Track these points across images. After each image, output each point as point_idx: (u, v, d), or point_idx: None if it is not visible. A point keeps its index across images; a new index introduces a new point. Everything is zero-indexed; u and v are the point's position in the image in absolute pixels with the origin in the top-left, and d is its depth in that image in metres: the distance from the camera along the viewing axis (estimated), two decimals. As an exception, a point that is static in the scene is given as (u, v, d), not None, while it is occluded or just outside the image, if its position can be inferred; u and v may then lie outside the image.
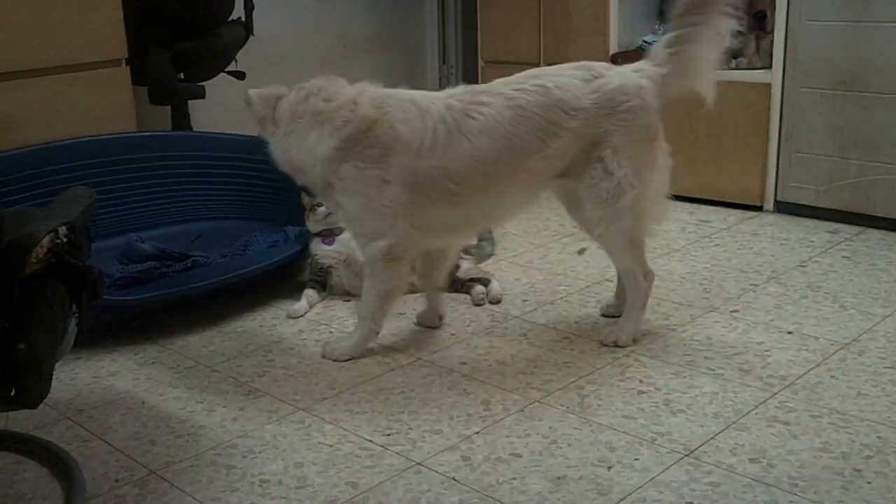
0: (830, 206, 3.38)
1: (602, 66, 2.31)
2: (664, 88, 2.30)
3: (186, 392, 2.23)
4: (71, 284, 1.54)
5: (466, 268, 2.84)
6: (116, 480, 1.85)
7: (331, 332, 2.56)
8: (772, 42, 3.41)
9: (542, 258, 3.12)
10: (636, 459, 1.86)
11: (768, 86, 3.44)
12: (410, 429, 2.01)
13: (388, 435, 1.99)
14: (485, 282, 2.78)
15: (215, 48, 3.67)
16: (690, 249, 3.17)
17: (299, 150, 2.29)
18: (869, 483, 1.75)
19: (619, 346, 2.38)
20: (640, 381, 2.20)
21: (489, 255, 3.10)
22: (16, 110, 3.17)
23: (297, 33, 4.68)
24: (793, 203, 3.48)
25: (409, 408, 2.11)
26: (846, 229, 3.31)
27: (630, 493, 1.75)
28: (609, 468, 1.84)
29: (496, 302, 2.74)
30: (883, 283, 2.79)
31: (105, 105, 3.39)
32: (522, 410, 2.08)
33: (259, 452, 1.94)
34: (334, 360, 2.36)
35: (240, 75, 3.85)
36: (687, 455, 1.87)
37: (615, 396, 2.13)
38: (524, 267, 3.04)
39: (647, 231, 2.39)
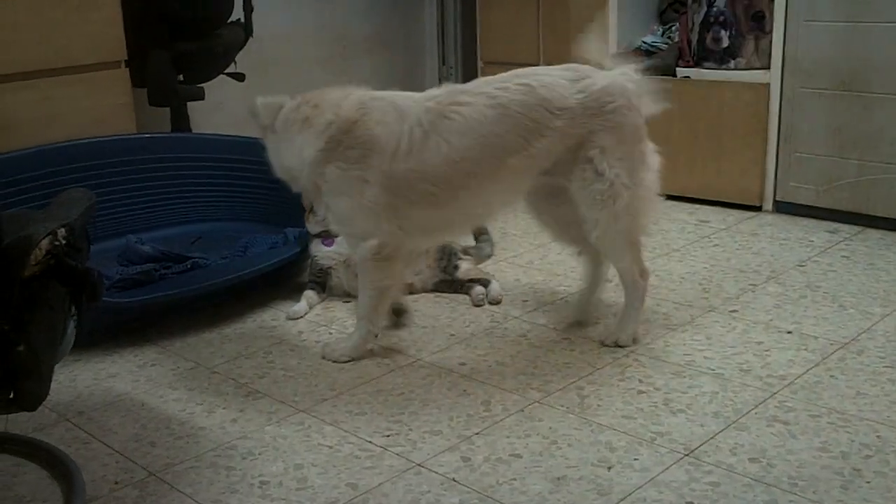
0: (829, 206, 3.38)
1: (588, 68, 2.31)
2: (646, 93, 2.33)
3: (186, 394, 2.23)
4: (70, 286, 1.54)
5: (466, 268, 2.84)
6: (116, 482, 1.85)
7: (330, 334, 2.56)
8: (770, 42, 3.42)
9: (541, 259, 3.13)
10: (636, 459, 1.86)
11: (767, 86, 3.44)
12: (410, 430, 2.01)
13: (388, 436, 1.99)
14: (484, 282, 2.79)
15: (215, 50, 3.67)
16: (690, 249, 3.17)
17: (290, 156, 2.32)
18: (868, 482, 1.76)
19: (619, 346, 2.38)
20: (640, 381, 2.20)
21: (488, 256, 3.11)
22: (15, 112, 3.17)
23: (296, 34, 4.68)
24: (792, 203, 3.48)
25: (409, 409, 2.11)
26: (845, 229, 3.31)
27: (630, 494, 1.75)
28: (609, 468, 1.84)
29: (496, 303, 2.74)
30: (882, 282, 2.80)
31: (104, 107, 3.39)
32: (522, 411, 2.08)
33: (259, 454, 1.94)
34: (334, 362, 2.36)
35: (239, 77, 3.85)
36: (687, 455, 1.87)
37: (615, 396, 2.13)
38: (524, 268, 3.05)
39: (644, 230, 2.40)
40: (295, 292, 2.82)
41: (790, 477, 1.78)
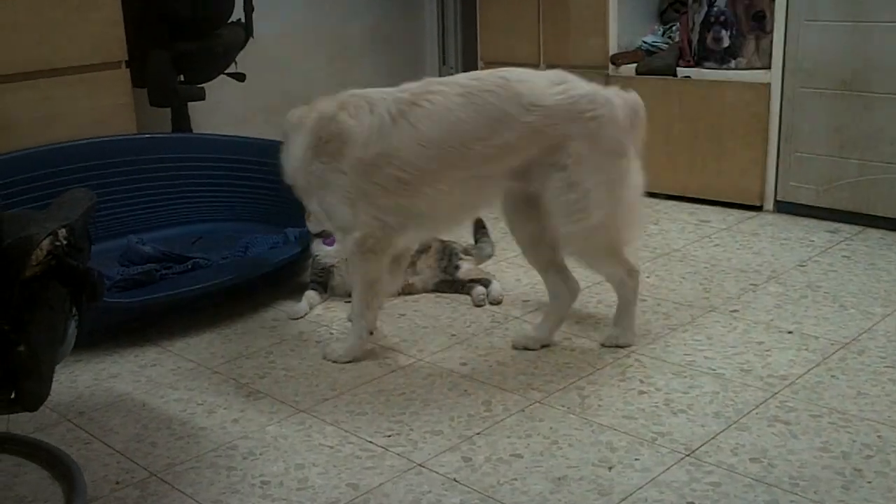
0: (830, 206, 3.38)
1: (577, 78, 2.27)
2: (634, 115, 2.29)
3: (187, 394, 2.23)
4: (71, 286, 1.54)
5: (466, 269, 2.84)
6: (117, 482, 1.85)
7: (331, 334, 2.56)
8: (771, 42, 3.42)
9: (542, 259, 3.12)
10: (637, 460, 1.86)
11: (768, 86, 3.44)
12: (411, 430, 2.01)
13: (389, 436, 1.99)
14: (485, 283, 2.79)
15: (215, 50, 3.67)
16: (690, 249, 3.17)
17: (291, 158, 2.36)
18: (869, 483, 1.76)
19: (620, 347, 2.38)
20: (641, 382, 2.20)
21: (489, 256, 3.11)
22: (15, 112, 3.18)
23: (296, 34, 4.68)
24: (792, 203, 3.48)
25: (410, 409, 2.11)
26: (846, 229, 3.31)
27: (631, 494, 1.75)
28: (610, 468, 1.84)
29: (497, 303, 2.74)
30: (883, 282, 2.79)
31: (105, 107, 3.39)
32: (523, 411, 2.08)
33: (260, 454, 1.94)
34: (334, 362, 2.36)
35: (240, 77, 3.85)
36: (688, 455, 1.87)
37: (616, 397, 2.13)
38: (525, 268, 3.04)
39: (623, 243, 2.35)
40: (296, 292, 2.82)
41: (791, 477, 1.78)
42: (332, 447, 1.96)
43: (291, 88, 4.60)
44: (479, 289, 2.76)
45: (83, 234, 1.60)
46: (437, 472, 1.84)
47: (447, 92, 2.22)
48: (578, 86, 2.23)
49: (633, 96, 2.31)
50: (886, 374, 2.20)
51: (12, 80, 3.15)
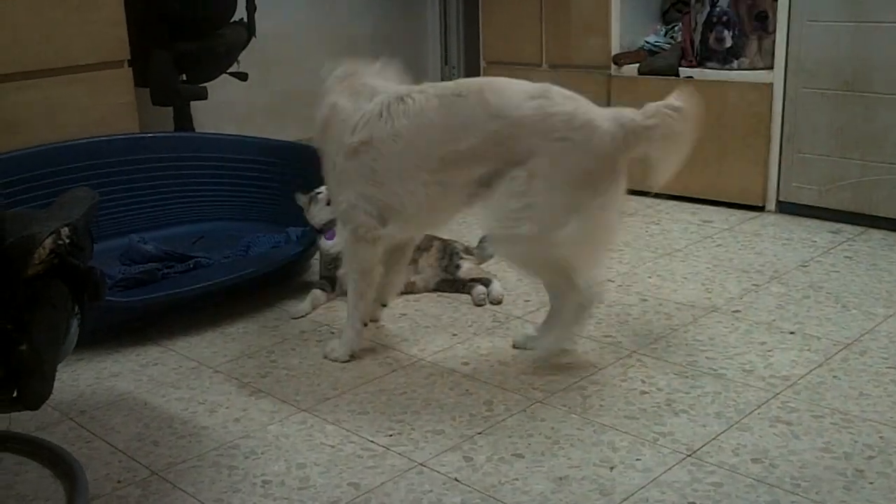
0: (832, 207, 3.38)
1: (566, 96, 2.13)
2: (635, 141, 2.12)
3: (189, 393, 2.23)
4: (73, 285, 1.54)
5: (468, 268, 2.84)
6: (119, 481, 1.85)
7: (332, 333, 2.56)
8: (773, 42, 3.41)
9: (544, 259, 3.12)
10: (638, 460, 1.86)
11: (770, 86, 3.44)
12: (413, 429, 2.01)
13: (391, 435, 1.99)
14: (486, 282, 2.79)
15: (217, 49, 3.68)
16: (692, 250, 3.17)
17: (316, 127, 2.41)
18: (871, 483, 1.75)
19: (527, 350, 2.35)
20: (643, 382, 2.20)
21: (490, 256, 3.10)
22: (18, 111, 3.18)
23: (298, 34, 4.69)
24: (795, 203, 3.48)
25: (412, 408, 2.11)
26: (848, 229, 3.30)
27: (632, 494, 1.75)
28: (611, 468, 1.84)
29: (497, 302, 2.74)
30: (885, 283, 2.79)
31: (107, 106, 3.40)
32: (525, 411, 2.08)
33: (261, 453, 1.94)
34: (334, 361, 2.37)
35: (242, 76, 3.86)
36: (689, 455, 1.87)
37: (617, 397, 2.13)
38: (526, 267, 3.04)
39: (571, 267, 2.21)
40: (297, 291, 2.82)
41: (793, 477, 1.78)
42: (333, 446, 1.96)
43: (293, 88, 4.61)
44: (480, 288, 2.76)
45: (85, 232, 1.60)
46: (439, 472, 1.84)
47: (429, 93, 2.22)
48: (559, 103, 2.11)
49: (638, 122, 2.12)
50: (888, 374, 2.20)
51: (15, 79, 3.16)
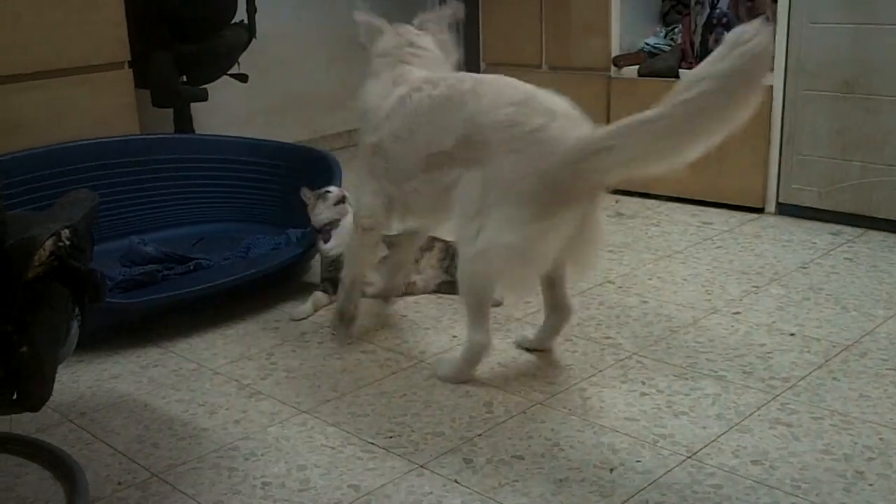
0: (832, 208, 3.38)
1: (547, 107, 2.02)
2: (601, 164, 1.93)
3: (189, 395, 2.23)
4: (73, 287, 1.54)
5: (468, 270, 2.84)
6: (119, 483, 1.85)
7: (333, 335, 2.56)
8: (774, 44, 3.41)
9: (544, 260, 3.12)
10: (638, 461, 1.86)
11: (770, 88, 3.44)
12: (413, 431, 2.01)
13: (391, 437, 1.99)
14: (487, 284, 2.78)
15: (218, 51, 3.68)
16: (692, 251, 3.17)
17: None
18: (871, 485, 1.75)
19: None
20: (643, 384, 2.20)
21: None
22: (18, 113, 3.18)
23: (299, 35, 4.69)
24: (795, 205, 3.48)
25: (412, 410, 2.11)
26: (848, 231, 3.30)
27: (632, 496, 1.75)
28: (611, 470, 1.84)
29: (497, 305, 2.73)
30: (885, 284, 2.79)
31: (107, 108, 3.40)
32: (524, 412, 2.08)
33: (261, 455, 1.94)
34: (340, 345, 2.44)
35: (242, 78, 3.86)
36: (689, 457, 1.87)
37: (617, 398, 2.13)
38: (526, 269, 3.04)
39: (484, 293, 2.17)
40: (298, 293, 2.82)
41: (793, 479, 1.78)
42: (333, 448, 1.96)
43: (293, 89, 4.61)
44: (481, 290, 2.76)
45: (85, 234, 1.60)
46: (439, 474, 1.84)
47: (430, 90, 2.21)
48: (531, 114, 2.00)
49: (600, 141, 1.93)
50: (888, 376, 2.20)
51: (15, 80, 3.16)
